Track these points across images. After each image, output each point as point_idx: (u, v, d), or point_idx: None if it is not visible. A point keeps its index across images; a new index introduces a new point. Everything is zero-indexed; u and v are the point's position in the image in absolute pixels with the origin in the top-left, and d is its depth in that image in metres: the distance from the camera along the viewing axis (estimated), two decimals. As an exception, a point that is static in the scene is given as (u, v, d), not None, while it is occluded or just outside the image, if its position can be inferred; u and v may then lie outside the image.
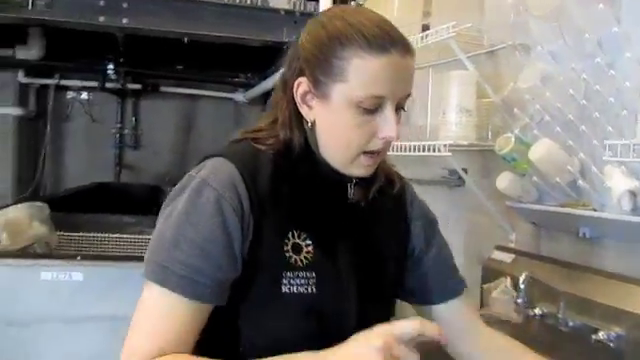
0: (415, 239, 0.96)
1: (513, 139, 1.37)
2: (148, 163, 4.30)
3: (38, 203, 1.98)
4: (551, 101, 1.31)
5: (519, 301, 1.23)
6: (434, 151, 1.50)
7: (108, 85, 3.96)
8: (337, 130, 0.80)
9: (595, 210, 1.27)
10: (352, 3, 2.43)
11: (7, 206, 1.97)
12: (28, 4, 2.57)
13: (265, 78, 3.51)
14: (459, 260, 1.81)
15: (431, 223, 1.00)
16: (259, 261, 0.78)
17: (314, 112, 0.81)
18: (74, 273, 1.53)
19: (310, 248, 0.81)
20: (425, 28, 1.61)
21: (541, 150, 1.29)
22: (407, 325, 0.65)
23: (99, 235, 2.14)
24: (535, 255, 1.49)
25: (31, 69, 3.89)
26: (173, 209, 0.78)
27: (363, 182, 0.87)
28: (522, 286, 1.22)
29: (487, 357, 0.98)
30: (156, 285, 0.74)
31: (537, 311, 1.33)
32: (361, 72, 0.76)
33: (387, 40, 0.76)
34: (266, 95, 3.57)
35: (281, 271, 0.79)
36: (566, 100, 1.29)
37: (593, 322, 1.20)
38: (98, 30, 2.77)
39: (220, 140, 0.91)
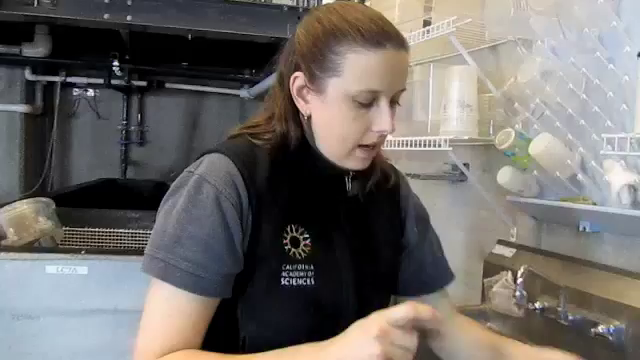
0: (409, 233, 0.98)
1: (513, 134, 1.38)
2: (154, 159, 4.33)
3: (44, 199, 2.00)
4: (551, 96, 1.31)
5: (517, 294, 1.24)
6: (435, 146, 1.50)
7: (114, 82, 3.99)
8: (333, 124, 0.81)
9: (595, 204, 1.27)
10: (355, -1, 2.43)
11: (14, 202, 2.00)
12: (34, 2, 2.59)
13: (270, 74, 3.51)
14: (461, 255, 1.84)
15: (424, 217, 1.02)
16: (258, 255, 0.79)
17: (310, 106, 0.82)
18: (79, 267, 1.55)
19: (308, 241, 0.82)
20: (426, 23, 1.61)
21: (541, 145, 1.29)
22: (400, 310, 0.65)
23: (104, 230, 2.16)
24: (536, 249, 1.49)
25: (38, 66, 3.93)
26: (173, 206, 0.78)
27: (360, 175, 0.88)
28: (520, 280, 1.22)
29: (467, 345, 0.98)
30: (162, 282, 0.75)
31: (537, 305, 1.34)
32: (356, 66, 0.76)
33: (382, 35, 0.77)
34: (271, 91, 3.57)
35: (280, 264, 0.80)
36: (566, 95, 1.29)
37: (593, 316, 1.21)
38: (103, 27, 2.79)
39: (225, 136, 0.91)
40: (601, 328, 1.17)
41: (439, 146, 1.48)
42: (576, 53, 1.28)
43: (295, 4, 2.80)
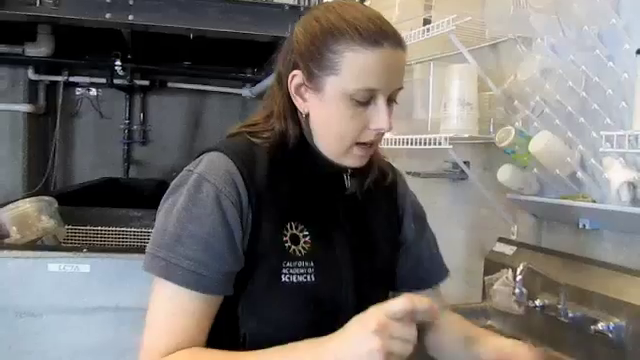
0: (406, 229, 0.99)
1: (513, 132, 1.38)
2: (156, 158, 4.34)
3: (46, 197, 2.01)
4: (551, 93, 1.31)
5: (516, 291, 1.24)
6: (435, 144, 1.50)
7: (116, 81, 4.00)
8: (330, 122, 0.81)
9: (595, 202, 1.28)
10: (356, -2, 2.43)
11: (16, 200, 2.01)
12: (36, 2, 2.60)
13: (271, 73, 3.51)
14: (462, 253, 1.84)
15: (421, 215, 1.03)
16: (259, 252, 0.80)
17: (308, 104, 0.83)
18: (81, 265, 1.56)
19: (308, 238, 0.83)
20: (426, 22, 1.61)
21: (541, 142, 1.30)
22: (398, 303, 0.66)
23: (106, 228, 2.18)
24: (536, 247, 1.50)
25: (40, 66, 3.94)
26: (173, 204, 0.79)
27: (358, 173, 0.88)
28: (519, 277, 1.23)
29: (450, 338, 0.98)
30: (164, 281, 0.76)
31: (538, 302, 1.34)
32: (354, 65, 0.77)
33: (379, 34, 0.77)
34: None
35: (281, 261, 0.80)
36: (566, 92, 1.29)
37: (593, 313, 1.21)
38: (104, 27, 2.80)
39: (225, 135, 0.92)
40: (601, 325, 1.17)
41: (439, 144, 1.49)
42: (575, 51, 1.28)
43: (296, 3, 2.80)
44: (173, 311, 0.76)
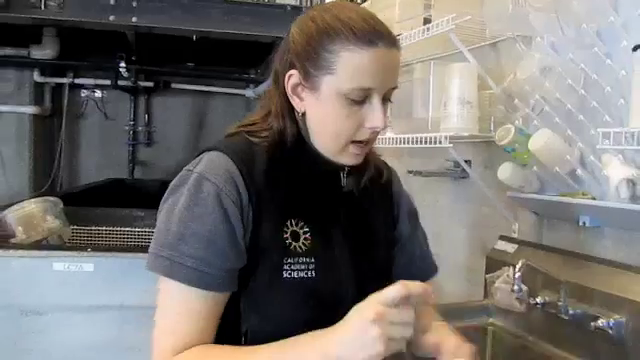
0: (402, 226, 1.00)
1: (513, 130, 1.38)
2: (161, 159, 4.36)
3: (52, 198, 2.03)
4: (550, 91, 1.31)
5: (515, 288, 1.25)
6: (436, 143, 1.51)
7: (121, 83, 4.02)
8: (327, 120, 0.82)
9: (594, 199, 1.28)
10: (358, -2, 2.44)
11: (22, 201, 2.03)
12: (41, 5, 2.63)
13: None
14: (464, 251, 1.85)
15: (415, 212, 1.04)
16: (260, 249, 0.81)
17: (305, 103, 0.84)
18: (85, 264, 1.58)
19: (308, 235, 0.84)
20: (427, 21, 1.62)
21: (540, 140, 1.30)
22: (393, 290, 0.69)
23: (111, 228, 2.20)
24: (537, 245, 1.50)
25: (46, 68, 3.97)
26: (174, 204, 0.80)
27: (355, 171, 0.90)
28: (518, 274, 1.23)
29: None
30: (169, 280, 0.77)
31: (539, 300, 1.34)
32: (349, 64, 0.78)
33: (374, 34, 0.79)
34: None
35: (282, 258, 0.82)
36: (565, 90, 1.30)
37: (593, 310, 1.21)
38: (109, 29, 2.82)
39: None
40: (601, 322, 1.18)
41: (439, 143, 1.49)
42: (574, 49, 1.28)
43: (298, 4, 2.81)
44: (180, 310, 0.77)
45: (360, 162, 0.87)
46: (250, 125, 0.88)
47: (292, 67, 0.83)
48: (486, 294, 1.58)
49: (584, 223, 1.30)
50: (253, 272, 0.81)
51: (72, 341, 1.61)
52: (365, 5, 2.14)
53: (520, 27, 1.40)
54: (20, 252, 1.62)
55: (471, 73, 1.52)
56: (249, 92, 4.26)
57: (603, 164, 1.20)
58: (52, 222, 1.90)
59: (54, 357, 1.62)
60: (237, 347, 0.78)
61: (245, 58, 3.72)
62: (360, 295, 0.84)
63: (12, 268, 1.60)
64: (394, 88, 0.83)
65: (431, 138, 1.53)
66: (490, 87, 1.55)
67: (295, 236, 0.83)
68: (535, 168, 1.42)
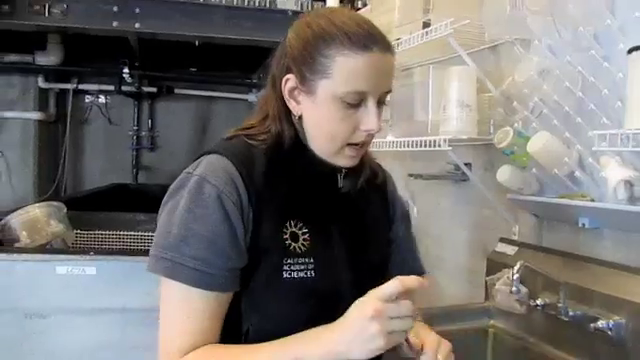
0: (396, 227, 1.02)
1: (511, 132, 1.39)
2: (164, 164, 4.38)
3: (55, 203, 2.05)
4: (549, 94, 1.32)
5: (513, 289, 1.25)
6: (435, 146, 1.52)
7: (124, 88, 4.05)
8: (323, 123, 0.84)
9: (593, 200, 1.28)
10: (358, 2, 2.46)
11: (26, 206, 2.05)
12: (45, 12, 2.65)
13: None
14: (465, 253, 1.86)
15: (408, 214, 1.07)
16: (260, 250, 0.82)
17: (301, 107, 0.85)
18: (87, 267, 1.59)
19: (307, 236, 0.86)
20: (426, 25, 1.63)
21: (539, 142, 1.31)
22: (389, 286, 0.72)
23: (114, 232, 2.21)
24: (537, 247, 1.50)
25: (50, 74, 4.00)
26: (175, 206, 0.81)
27: (351, 173, 0.91)
28: (516, 275, 1.24)
29: None
30: (172, 282, 0.78)
31: (539, 302, 1.35)
32: (344, 69, 0.80)
33: (368, 38, 0.80)
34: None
35: (282, 258, 0.83)
36: (563, 93, 1.30)
37: (593, 311, 1.22)
38: (112, 35, 2.85)
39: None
40: (601, 323, 1.18)
41: (439, 146, 1.50)
42: (572, 52, 1.29)
43: (300, 9, 2.83)
44: (184, 311, 0.78)
45: (356, 164, 0.88)
46: (248, 128, 0.89)
47: (289, 71, 0.85)
48: (487, 296, 1.59)
49: (583, 225, 1.30)
50: (254, 272, 0.82)
51: (75, 343, 1.63)
52: (365, 10, 2.16)
53: (518, 30, 1.41)
54: (24, 256, 1.64)
55: (470, 76, 1.52)
56: (252, 97, 4.28)
57: (601, 166, 1.20)
58: (56, 226, 1.92)
59: (57, 359, 1.63)
60: (242, 345, 0.80)
61: (247, 63, 3.75)
62: (358, 293, 0.87)
63: (16, 272, 1.62)
64: (388, 92, 0.85)
65: (430, 141, 1.54)
66: (489, 90, 1.56)
67: (294, 237, 0.85)
68: (534, 170, 1.42)
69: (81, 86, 4.17)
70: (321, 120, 0.84)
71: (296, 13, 2.74)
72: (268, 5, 2.78)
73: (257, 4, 2.75)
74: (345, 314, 0.74)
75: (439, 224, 2.02)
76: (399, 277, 0.73)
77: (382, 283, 0.98)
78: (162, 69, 4.06)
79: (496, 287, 1.48)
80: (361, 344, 0.71)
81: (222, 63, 3.86)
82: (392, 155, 2.01)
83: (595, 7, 1.20)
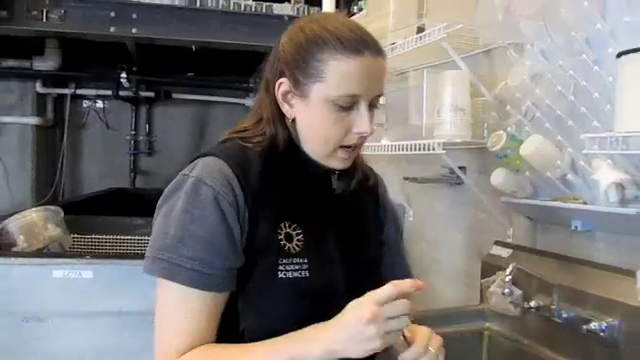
0: (388, 229, 1.04)
1: (504, 136, 1.40)
2: (162, 168, 4.37)
3: (53, 207, 2.06)
4: (541, 98, 1.34)
5: (506, 291, 1.26)
6: (429, 150, 1.53)
7: (122, 93, 4.05)
8: (316, 126, 0.85)
9: (585, 203, 1.29)
10: (354, 8, 2.48)
11: (24, 210, 2.06)
12: (43, 17, 2.67)
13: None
14: (461, 256, 1.87)
15: (398, 217, 1.08)
16: (256, 250, 0.83)
17: (294, 110, 0.87)
18: (84, 271, 1.60)
19: (301, 237, 0.87)
20: (420, 30, 1.65)
21: (532, 146, 1.32)
22: (384, 290, 0.74)
23: (111, 237, 2.22)
24: (532, 249, 1.51)
25: (48, 79, 4.01)
26: (171, 208, 0.82)
27: (344, 175, 0.93)
28: (509, 277, 1.25)
29: None
30: (170, 282, 0.79)
31: (533, 304, 1.36)
32: (337, 72, 0.81)
33: (361, 43, 0.82)
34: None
35: (277, 258, 0.84)
36: (555, 97, 1.32)
37: (586, 313, 1.23)
38: (109, 40, 2.86)
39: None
40: (593, 325, 1.19)
41: (433, 150, 1.51)
42: (564, 56, 1.31)
43: (296, 14, 2.85)
44: (181, 311, 0.79)
45: (348, 166, 0.90)
46: (242, 131, 0.91)
47: (282, 75, 0.86)
48: (482, 299, 1.60)
49: (576, 227, 1.31)
50: (250, 273, 0.83)
51: (72, 347, 1.63)
52: (360, 15, 2.18)
53: (511, 35, 1.42)
54: (21, 260, 1.64)
55: (463, 80, 1.54)
56: (249, 101, 4.29)
57: (593, 169, 1.21)
58: (53, 230, 1.92)
59: (55, 362, 1.64)
60: (239, 345, 0.81)
61: (244, 67, 3.75)
62: (352, 293, 0.88)
63: (13, 276, 1.62)
64: (380, 95, 0.87)
65: (425, 145, 1.55)
66: (483, 94, 1.57)
67: (289, 237, 0.86)
68: (527, 173, 1.44)
69: (79, 91, 4.17)
70: (314, 123, 0.85)
71: (292, 18, 2.75)
72: (264, 10, 2.80)
73: (253, 9, 2.77)
74: (341, 314, 0.76)
75: (434, 227, 2.03)
76: (394, 282, 0.75)
77: (375, 283, 1.00)
78: (159, 74, 4.07)
79: (490, 289, 1.49)
80: (357, 345, 0.73)
81: (219, 68, 3.87)
82: (388, 159, 2.02)
83: (586, 12, 1.22)
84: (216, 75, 4.14)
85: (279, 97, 0.87)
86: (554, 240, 1.46)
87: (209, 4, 2.74)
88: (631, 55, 1.00)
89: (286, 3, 2.99)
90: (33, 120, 4.00)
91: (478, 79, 1.57)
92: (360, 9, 2.35)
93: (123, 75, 3.83)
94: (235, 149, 0.88)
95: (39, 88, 4.01)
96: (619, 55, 1.02)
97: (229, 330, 0.83)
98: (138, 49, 3.29)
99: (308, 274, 0.86)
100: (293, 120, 0.87)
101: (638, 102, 0.96)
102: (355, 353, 0.74)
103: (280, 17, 2.78)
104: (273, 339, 0.78)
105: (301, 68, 0.83)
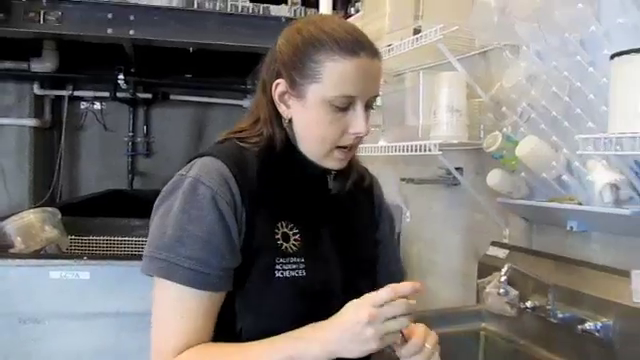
0: (382, 229, 1.05)
1: (500, 137, 1.41)
2: (160, 170, 4.38)
3: (50, 208, 2.06)
4: (537, 99, 1.34)
5: (501, 291, 1.27)
6: (425, 151, 1.54)
7: (120, 95, 4.06)
8: (312, 126, 0.86)
9: (580, 204, 1.30)
10: (351, 9, 2.49)
11: (21, 212, 2.06)
12: (40, 19, 2.67)
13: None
14: (458, 256, 1.87)
15: (392, 217, 1.09)
16: (253, 250, 0.84)
17: (291, 110, 0.88)
18: (81, 272, 1.60)
19: (297, 236, 0.88)
20: (417, 32, 1.65)
21: (527, 147, 1.33)
22: (382, 293, 0.75)
23: (108, 238, 2.22)
24: (528, 250, 1.52)
25: (45, 81, 4.01)
26: (169, 208, 0.82)
27: (340, 175, 0.94)
28: (504, 277, 1.26)
29: None
30: (168, 282, 0.79)
31: (529, 304, 1.36)
32: (334, 73, 0.82)
33: (357, 45, 0.83)
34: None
35: (274, 258, 0.85)
36: (551, 98, 1.32)
37: (581, 313, 1.23)
38: (107, 42, 2.87)
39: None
40: (588, 325, 1.19)
41: (429, 150, 1.52)
42: (559, 57, 1.31)
43: (293, 15, 2.86)
44: (178, 311, 0.80)
45: (344, 166, 0.91)
46: (239, 132, 0.91)
47: (279, 76, 0.87)
48: (478, 299, 1.60)
49: (571, 228, 1.32)
50: (247, 272, 0.84)
51: (70, 348, 1.64)
52: (357, 17, 2.18)
53: (506, 36, 1.43)
54: (17, 261, 1.65)
55: (460, 82, 1.54)
56: (246, 102, 4.29)
57: (588, 169, 1.22)
58: (50, 232, 1.92)
59: (52, 363, 1.64)
60: (236, 344, 0.81)
61: (242, 69, 3.77)
62: (348, 290, 0.88)
63: (10, 277, 1.63)
64: (376, 96, 0.88)
65: (421, 146, 1.56)
66: (479, 95, 1.58)
67: (285, 237, 0.87)
68: (523, 174, 1.44)
69: (76, 93, 4.18)
70: (311, 123, 0.86)
71: (289, 20, 2.76)
72: (261, 12, 2.81)
73: (251, 11, 2.77)
74: (340, 315, 0.77)
75: (432, 228, 2.04)
76: (392, 285, 0.76)
77: (371, 282, 1.00)
78: (157, 75, 4.08)
79: (487, 290, 1.50)
80: (355, 345, 0.74)
81: (217, 69, 3.88)
82: (385, 160, 2.03)
83: (581, 14, 1.22)
84: (214, 77, 4.15)
85: (276, 98, 0.88)
86: (550, 240, 1.47)
87: (206, 6, 2.75)
88: (624, 56, 1.00)
89: (283, 5, 3.00)
90: (31, 122, 4.00)
91: (474, 80, 1.58)
92: (357, 11, 2.36)
93: (121, 77, 3.84)
94: (232, 149, 0.88)
95: (36, 90, 4.01)
96: (613, 56, 1.02)
97: (226, 330, 0.84)
98: (135, 51, 3.29)
99: (305, 273, 0.86)
100: (290, 120, 0.88)
101: (631, 103, 0.97)
102: (352, 353, 0.75)
103: (277, 19, 2.79)
104: (270, 338, 0.79)
105: (298, 69, 0.84)
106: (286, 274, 0.85)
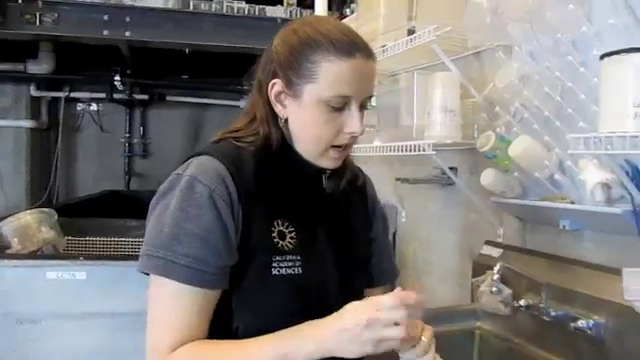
0: (376, 228, 1.06)
1: (493, 137, 1.42)
2: (157, 170, 4.39)
3: (46, 209, 2.07)
4: (529, 99, 1.35)
5: (493, 290, 1.28)
6: (420, 150, 1.55)
7: (116, 96, 4.07)
8: (308, 126, 0.87)
9: (573, 203, 1.31)
10: (346, 10, 2.50)
11: (18, 213, 2.06)
12: (37, 21, 2.68)
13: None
14: (453, 256, 1.89)
15: (385, 216, 1.10)
16: (250, 248, 0.85)
17: (287, 110, 0.89)
18: (77, 272, 1.61)
19: (293, 234, 0.89)
20: (411, 32, 1.66)
21: (520, 147, 1.34)
22: (387, 298, 0.76)
23: (105, 239, 2.23)
24: (522, 249, 1.53)
25: (42, 83, 4.02)
26: (166, 206, 0.83)
27: (335, 174, 0.95)
28: (497, 276, 1.27)
29: None
30: (164, 280, 0.80)
31: (522, 302, 1.37)
32: (330, 74, 0.83)
33: (352, 46, 0.84)
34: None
35: (270, 256, 0.86)
36: (543, 98, 1.34)
37: (574, 311, 1.24)
38: (103, 43, 2.87)
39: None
40: (580, 323, 1.21)
41: (423, 150, 1.53)
42: (551, 57, 1.32)
43: (288, 16, 2.87)
44: (174, 308, 0.80)
45: (339, 166, 0.92)
46: (235, 131, 0.92)
47: (275, 76, 0.88)
48: (473, 298, 1.61)
49: (564, 226, 1.33)
50: (244, 270, 0.85)
51: (66, 348, 1.64)
52: (351, 17, 2.19)
53: (499, 37, 1.44)
54: (14, 262, 1.65)
55: (453, 82, 1.55)
56: (243, 103, 4.30)
57: (580, 169, 1.23)
58: (47, 233, 1.93)
59: (49, 363, 1.65)
60: (231, 341, 0.82)
61: (238, 70, 3.78)
62: (343, 288, 0.90)
63: (7, 278, 1.63)
64: (370, 96, 0.89)
65: (415, 146, 1.57)
66: (473, 95, 1.59)
67: (282, 235, 0.88)
68: (516, 174, 1.45)
69: (73, 94, 4.19)
70: (306, 123, 0.87)
71: (285, 21, 2.77)
72: (257, 13, 2.82)
73: (246, 12, 2.78)
74: (339, 314, 0.77)
75: (427, 227, 2.05)
76: (397, 292, 0.77)
77: (365, 279, 1.01)
78: (154, 77, 4.09)
79: (481, 289, 1.51)
80: (351, 346, 0.75)
81: (213, 70, 3.89)
82: (380, 160, 2.04)
83: (572, 14, 1.23)
84: (210, 77, 4.16)
85: (272, 97, 0.89)
86: (543, 239, 1.48)
87: (202, 7, 2.76)
88: (614, 57, 1.01)
89: (279, 6, 3.01)
90: (27, 123, 4.01)
91: (468, 81, 1.59)
92: (352, 12, 2.37)
93: (117, 78, 3.85)
94: (229, 148, 0.89)
95: (33, 91, 4.02)
96: (602, 57, 1.04)
97: (223, 328, 0.84)
98: (132, 52, 3.30)
99: (301, 271, 0.87)
100: (286, 120, 0.89)
101: (620, 103, 0.98)
102: (350, 353, 0.76)
103: (273, 20, 2.80)
104: (267, 335, 0.79)
105: (294, 69, 0.85)
106: (282, 272, 0.86)
